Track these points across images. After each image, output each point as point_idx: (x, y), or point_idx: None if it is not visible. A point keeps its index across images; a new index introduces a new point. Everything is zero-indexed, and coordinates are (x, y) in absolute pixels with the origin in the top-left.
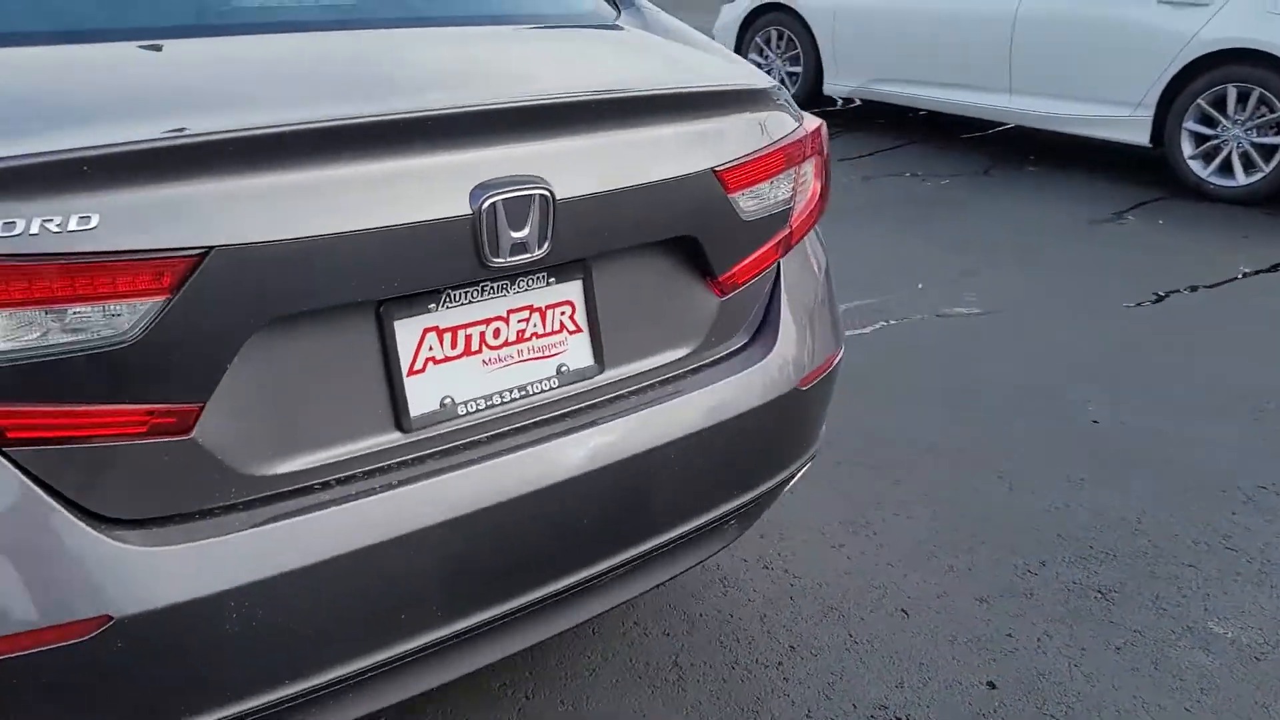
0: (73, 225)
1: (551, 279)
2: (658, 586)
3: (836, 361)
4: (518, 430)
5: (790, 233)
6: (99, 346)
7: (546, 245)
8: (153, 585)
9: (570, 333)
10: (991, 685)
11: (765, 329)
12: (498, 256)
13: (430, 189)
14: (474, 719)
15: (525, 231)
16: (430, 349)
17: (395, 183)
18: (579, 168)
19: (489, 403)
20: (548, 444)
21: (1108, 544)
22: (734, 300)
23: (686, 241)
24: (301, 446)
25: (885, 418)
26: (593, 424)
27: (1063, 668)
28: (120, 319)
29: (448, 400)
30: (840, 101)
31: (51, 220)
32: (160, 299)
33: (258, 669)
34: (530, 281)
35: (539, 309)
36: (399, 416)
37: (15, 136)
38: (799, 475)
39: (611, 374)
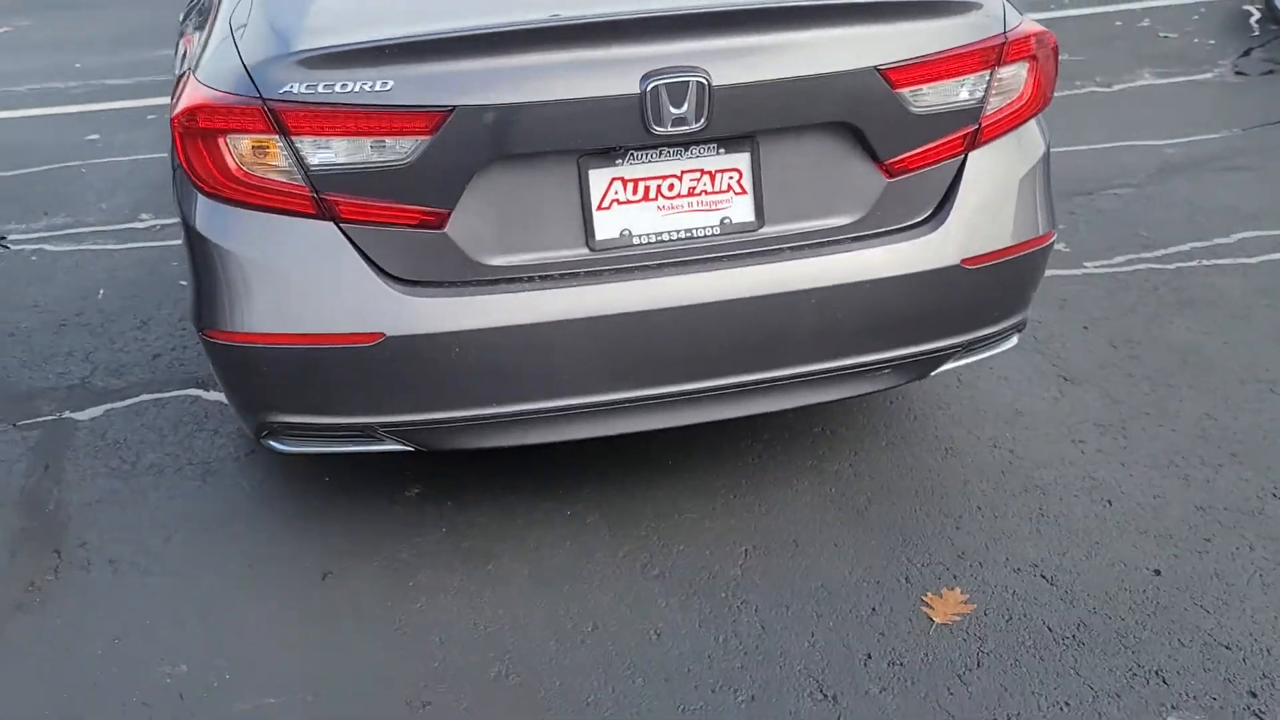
0: (377, 87)
1: (721, 149)
2: (803, 407)
3: (1033, 250)
4: (681, 262)
5: (979, 130)
6: (392, 164)
7: (703, 120)
8: (412, 320)
9: (736, 194)
10: (1156, 572)
11: (940, 211)
12: (660, 126)
13: (613, 73)
14: (691, 506)
15: (684, 109)
16: (615, 193)
17: (588, 67)
18: (738, 61)
19: (659, 238)
20: (704, 273)
21: None
22: (905, 182)
23: (850, 128)
24: (516, 249)
25: (1214, 343)
26: (744, 265)
27: (1244, 575)
28: (404, 147)
29: (626, 232)
30: None
31: (367, 84)
32: (426, 137)
33: (472, 389)
34: (702, 150)
35: (709, 172)
36: (588, 238)
37: (347, 31)
38: (987, 353)
39: (770, 230)
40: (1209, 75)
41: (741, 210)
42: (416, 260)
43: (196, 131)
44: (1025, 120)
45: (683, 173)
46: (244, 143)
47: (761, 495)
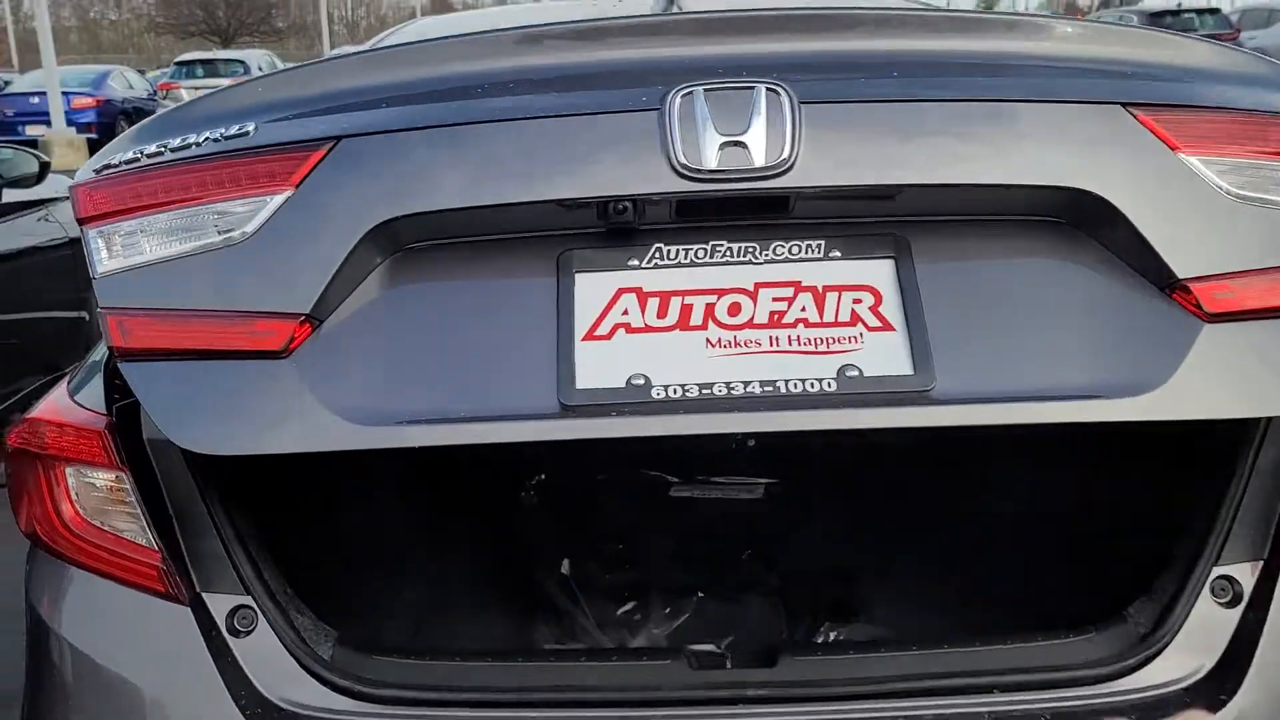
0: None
1: (837, 252)
2: None
3: None
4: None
5: None
6: None
7: (791, 152)
8: None
9: (870, 328)
10: None
11: None
12: (694, 163)
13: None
14: None
15: (745, 130)
16: (623, 311)
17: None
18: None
19: (706, 390)
20: None
21: None
22: (1244, 332)
23: (1106, 213)
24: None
25: None
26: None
27: None
28: None
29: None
30: None
31: None
32: None
33: None
34: (799, 247)
35: (814, 288)
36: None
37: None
38: None
39: (947, 389)
40: None
41: (883, 354)
42: None
43: None
44: None
45: (757, 286)
46: None
47: None
